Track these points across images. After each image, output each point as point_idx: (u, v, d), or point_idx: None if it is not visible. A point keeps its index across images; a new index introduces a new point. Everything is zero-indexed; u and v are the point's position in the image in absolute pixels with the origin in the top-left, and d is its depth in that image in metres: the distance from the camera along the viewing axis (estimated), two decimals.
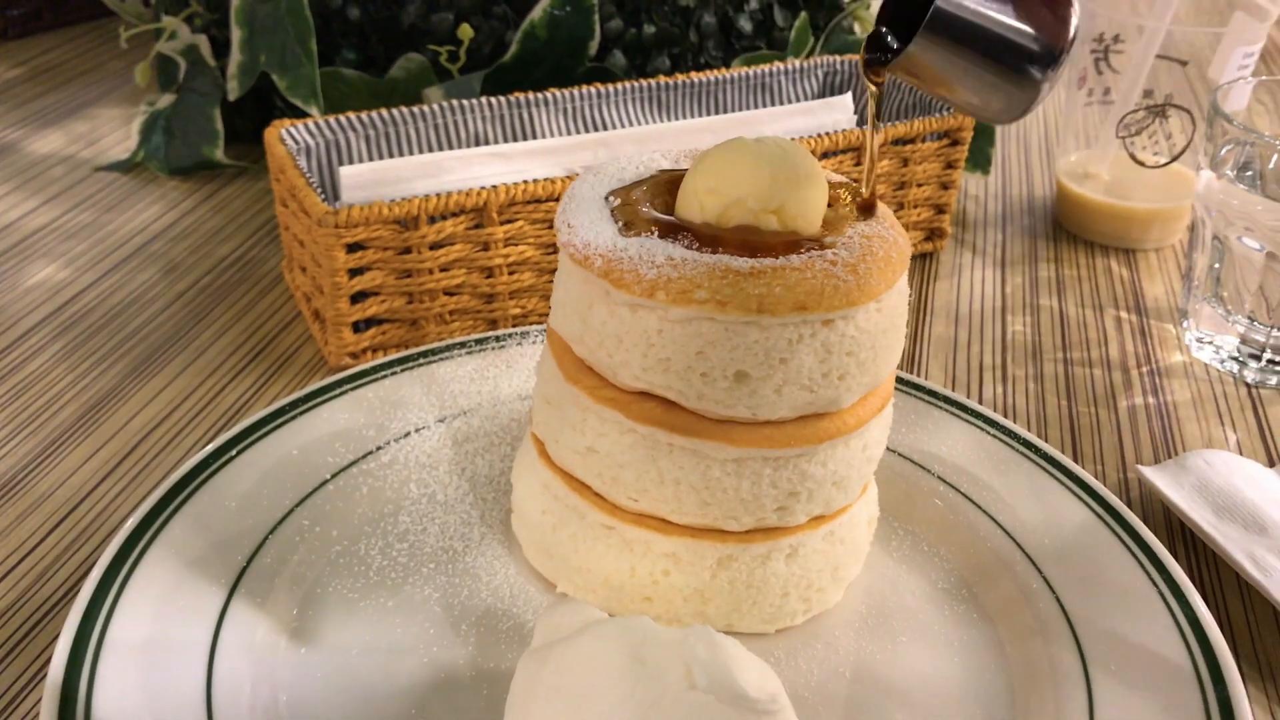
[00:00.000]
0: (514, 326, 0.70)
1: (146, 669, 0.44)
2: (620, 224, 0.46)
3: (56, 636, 0.50)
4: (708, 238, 0.45)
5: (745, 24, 0.95)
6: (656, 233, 0.45)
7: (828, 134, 0.74)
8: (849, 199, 0.49)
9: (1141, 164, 0.84)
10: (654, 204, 0.47)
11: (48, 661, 0.49)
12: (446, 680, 0.47)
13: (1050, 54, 0.43)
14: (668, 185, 0.49)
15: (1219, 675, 0.45)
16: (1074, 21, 0.43)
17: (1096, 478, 0.62)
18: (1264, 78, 0.76)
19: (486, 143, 0.78)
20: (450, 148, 0.77)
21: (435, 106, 0.76)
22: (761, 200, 0.45)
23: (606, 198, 0.48)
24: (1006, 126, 1.08)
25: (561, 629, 0.43)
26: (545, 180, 0.67)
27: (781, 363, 0.44)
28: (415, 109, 0.76)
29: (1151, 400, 0.70)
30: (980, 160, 0.92)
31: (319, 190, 0.65)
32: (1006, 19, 0.43)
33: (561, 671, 0.40)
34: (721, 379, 0.44)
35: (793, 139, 0.74)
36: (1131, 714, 0.45)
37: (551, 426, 0.50)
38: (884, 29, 0.46)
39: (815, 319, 0.44)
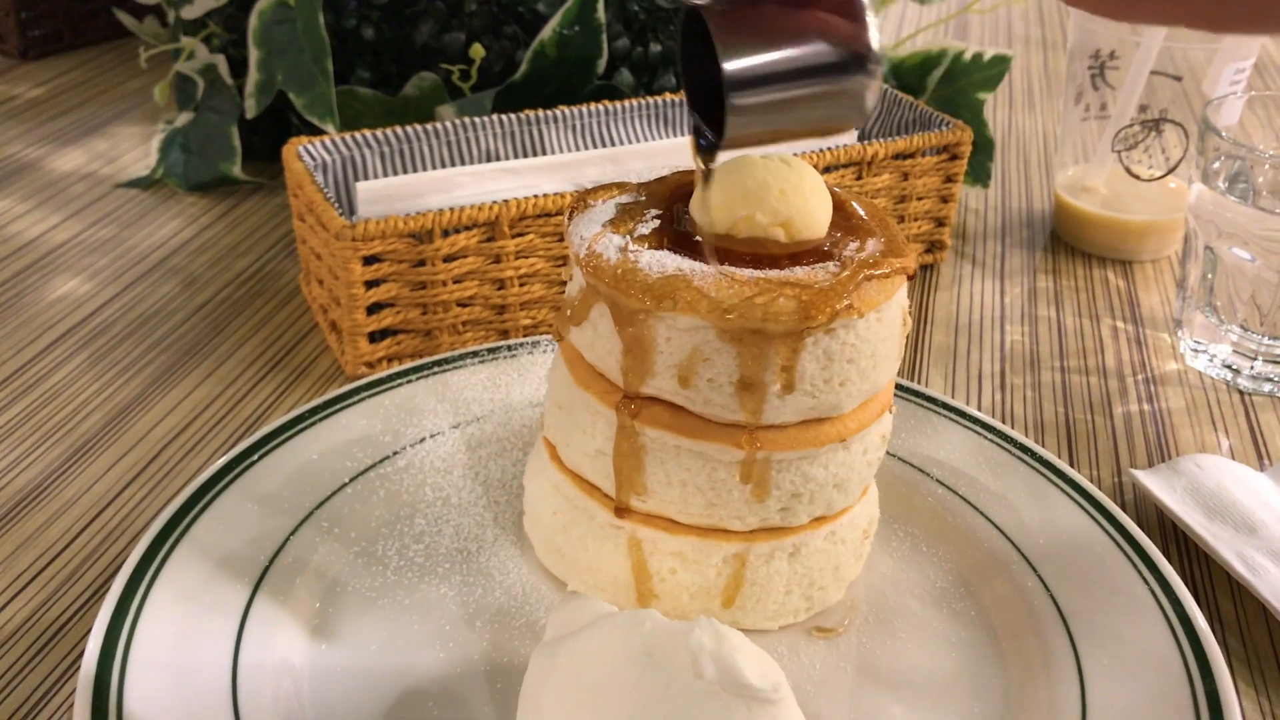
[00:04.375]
0: (525, 337, 0.71)
1: (175, 663, 0.46)
2: (631, 236, 0.48)
3: (84, 635, 0.51)
4: (717, 250, 0.47)
5: None
6: (666, 244, 0.47)
7: (829, 149, 0.76)
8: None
9: (1137, 177, 0.86)
10: (664, 217, 0.49)
11: (76, 659, 0.51)
12: (462, 674, 0.49)
13: (859, 58, 0.41)
14: (677, 198, 0.51)
15: (1207, 669, 0.47)
16: (868, 12, 0.41)
17: (1092, 481, 0.64)
18: (1254, 93, 0.78)
19: (498, 159, 0.80)
20: (463, 164, 0.79)
21: (448, 124, 0.78)
22: (768, 214, 0.46)
23: (617, 209, 0.50)
24: (1005, 142, 1.10)
25: (572, 623, 0.44)
26: (555, 195, 0.69)
27: (784, 369, 0.46)
28: (428, 126, 0.78)
29: (1146, 407, 0.71)
30: (980, 174, 0.94)
31: (336, 205, 0.67)
32: (798, 51, 0.41)
33: (572, 663, 0.41)
34: (727, 385, 0.46)
35: (796, 154, 0.76)
36: (1123, 706, 0.46)
37: (563, 430, 0.52)
38: (699, 114, 0.46)
39: (818, 328, 0.45)
